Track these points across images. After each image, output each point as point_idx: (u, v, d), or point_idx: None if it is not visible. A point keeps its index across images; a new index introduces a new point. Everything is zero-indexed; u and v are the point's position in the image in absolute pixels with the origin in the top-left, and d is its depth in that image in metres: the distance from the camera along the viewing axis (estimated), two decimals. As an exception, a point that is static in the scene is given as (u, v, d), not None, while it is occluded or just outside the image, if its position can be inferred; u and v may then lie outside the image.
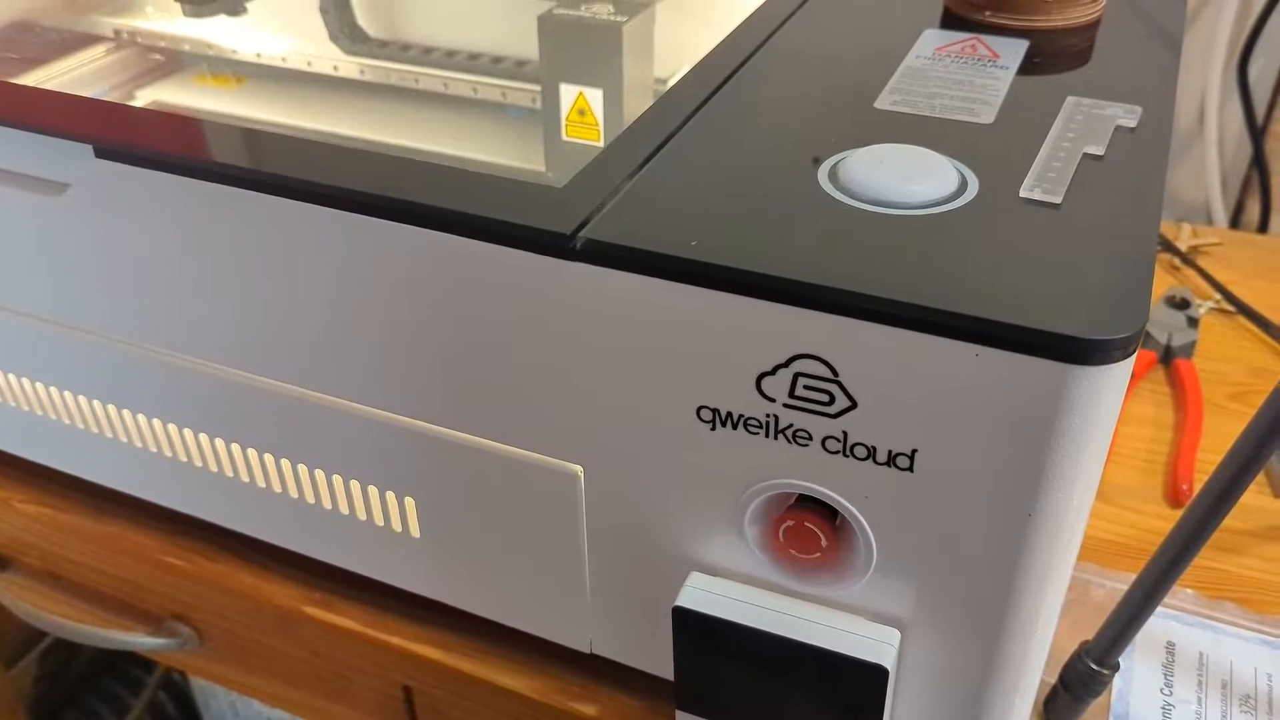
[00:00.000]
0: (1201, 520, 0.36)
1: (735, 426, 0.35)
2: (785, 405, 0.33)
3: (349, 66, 0.67)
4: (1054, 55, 0.46)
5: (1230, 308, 0.71)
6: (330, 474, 0.46)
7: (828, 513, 0.35)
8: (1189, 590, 0.50)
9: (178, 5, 0.72)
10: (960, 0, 0.49)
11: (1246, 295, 0.71)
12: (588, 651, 0.45)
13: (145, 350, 0.47)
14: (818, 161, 0.37)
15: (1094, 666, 0.41)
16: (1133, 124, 0.39)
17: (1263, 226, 0.88)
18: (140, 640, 0.61)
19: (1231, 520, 0.36)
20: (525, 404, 0.39)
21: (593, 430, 0.38)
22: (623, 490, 0.39)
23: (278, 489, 0.49)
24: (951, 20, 0.49)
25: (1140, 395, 0.64)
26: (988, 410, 0.31)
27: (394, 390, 0.42)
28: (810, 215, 0.34)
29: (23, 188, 0.44)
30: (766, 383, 0.33)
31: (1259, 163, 0.86)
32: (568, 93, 0.59)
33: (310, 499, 0.48)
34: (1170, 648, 0.48)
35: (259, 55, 0.68)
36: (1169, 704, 0.45)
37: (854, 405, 0.32)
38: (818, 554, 0.36)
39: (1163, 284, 0.73)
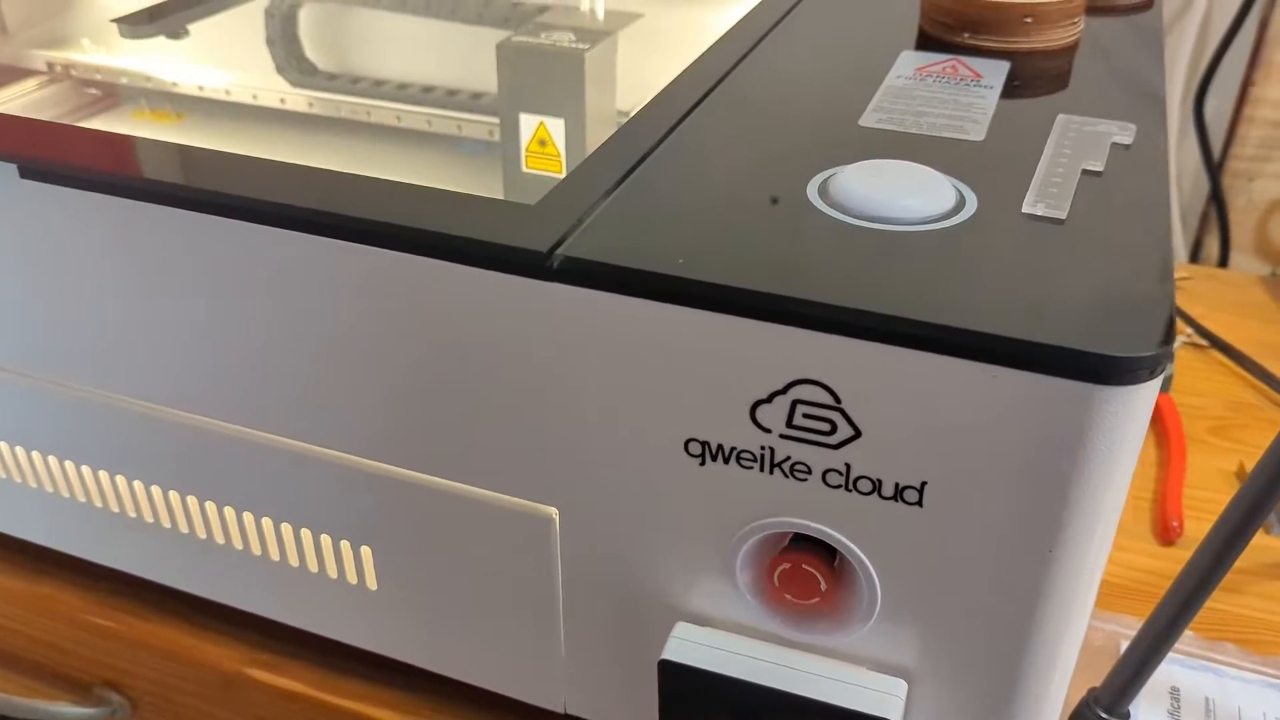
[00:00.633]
0: (1212, 562, 0.34)
1: (727, 460, 0.32)
2: (782, 436, 0.31)
3: (297, 100, 0.64)
4: (1037, 76, 0.45)
5: (1203, 342, 0.71)
6: (278, 522, 0.43)
7: (826, 553, 0.33)
8: (1188, 631, 0.48)
9: (115, 37, 0.69)
10: (937, 23, 0.48)
11: (1216, 329, 0.71)
12: (562, 713, 0.43)
13: (68, 389, 0.43)
14: (805, 179, 0.35)
15: (1104, 716, 0.39)
16: (1128, 141, 0.38)
17: (1223, 261, 0.89)
18: (64, 710, 0.57)
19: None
20: (495, 440, 0.36)
21: (569, 467, 0.35)
22: (602, 534, 0.36)
23: (220, 540, 0.45)
24: (928, 42, 0.48)
25: (1119, 431, 0.63)
26: (1005, 437, 0.28)
27: (349, 429, 0.38)
28: (804, 232, 0.32)
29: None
30: (762, 411, 0.31)
31: (1216, 198, 0.87)
32: (528, 123, 0.57)
33: (256, 550, 0.44)
34: (1175, 693, 0.45)
35: (201, 88, 0.66)
36: (1178, 752, 0.43)
37: (858, 435, 0.30)
38: (816, 599, 0.33)
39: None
